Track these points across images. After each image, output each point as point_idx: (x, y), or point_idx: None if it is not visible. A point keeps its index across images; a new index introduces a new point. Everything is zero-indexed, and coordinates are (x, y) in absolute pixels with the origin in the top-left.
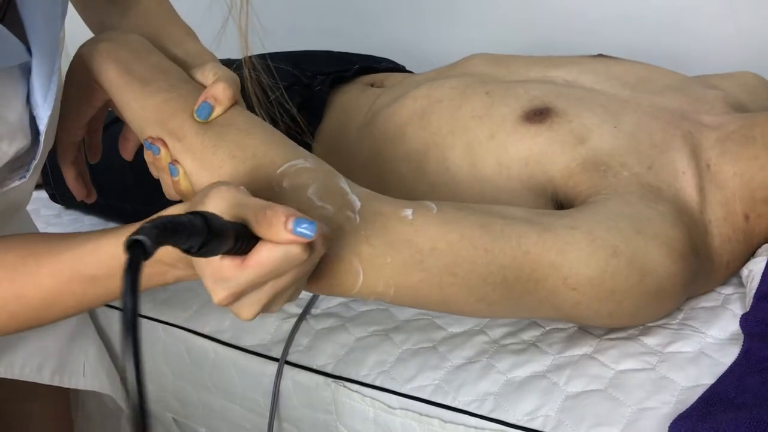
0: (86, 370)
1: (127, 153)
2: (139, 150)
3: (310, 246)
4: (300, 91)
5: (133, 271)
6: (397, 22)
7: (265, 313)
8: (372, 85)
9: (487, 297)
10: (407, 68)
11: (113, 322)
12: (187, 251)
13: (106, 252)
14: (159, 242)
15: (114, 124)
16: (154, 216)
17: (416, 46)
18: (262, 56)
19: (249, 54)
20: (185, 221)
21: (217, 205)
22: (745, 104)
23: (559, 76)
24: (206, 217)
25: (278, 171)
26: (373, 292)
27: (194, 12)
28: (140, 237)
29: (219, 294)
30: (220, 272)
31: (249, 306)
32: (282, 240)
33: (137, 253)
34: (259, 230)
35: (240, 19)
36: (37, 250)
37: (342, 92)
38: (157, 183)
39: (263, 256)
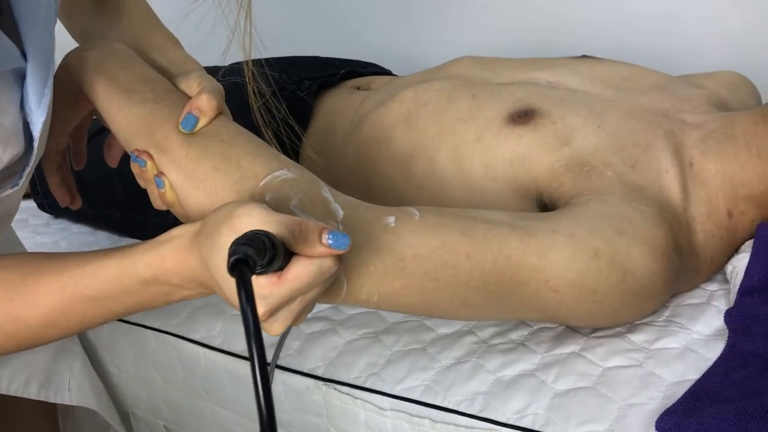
0: (71, 386)
1: (112, 160)
2: (127, 158)
3: (339, 258)
4: (286, 96)
5: (246, 288)
6: (383, 26)
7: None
8: (358, 89)
9: (469, 301)
10: (393, 72)
11: (100, 336)
12: (255, 267)
13: (107, 273)
14: (256, 257)
15: (102, 132)
16: (239, 237)
17: (402, 50)
18: (217, 68)
19: (249, 59)
20: (263, 239)
21: (250, 223)
22: (727, 103)
23: (543, 78)
24: (270, 236)
25: (261, 183)
26: (358, 299)
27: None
28: (241, 255)
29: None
30: (257, 289)
31: (281, 321)
32: (317, 253)
33: (243, 271)
34: (295, 246)
35: (243, 25)
36: (37, 269)
37: (328, 97)
38: (145, 191)
39: (300, 270)
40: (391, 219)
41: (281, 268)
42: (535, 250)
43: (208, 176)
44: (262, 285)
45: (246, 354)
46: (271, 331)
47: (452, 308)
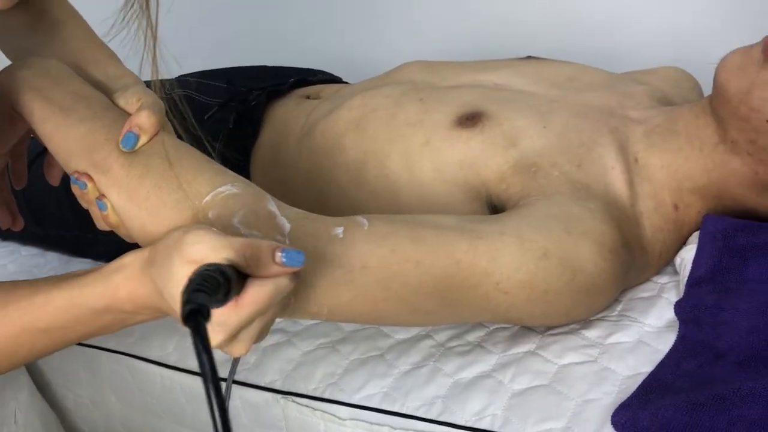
0: (18, 417)
1: (54, 179)
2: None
3: (295, 275)
4: (235, 106)
5: (203, 338)
6: (330, 33)
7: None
8: (308, 97)
9: (421, 308)
10: (344, 79)
11: (50, 359)
12: (211, 303)
13: (57, 304)
14: (209, 302)
15: (47, 150)
16: (189, 278)
17: (351, 57)
18: (179, 79)
19: (161, 77)
20: (216, 277)
21: (201, 250)
22: (670, 98)
23: (489, 80)
24: (222, 270)
25: (204, 200)
26: (307, 313)
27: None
28: (196, 305)
29: (217, 338)
30: (215, 318)
31: (242, 343)
32: (272, 273)
33: (199, 322)
34: (248, 268)
35: (148, 43)
36: None
37: (278, 106)
38: None
39: (257, 293)
40: (339, 230)
41: (237, 293)
42: (484, 254)
43: (150, 195)
44: (219, 312)
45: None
46: (233, 353)
47: (405, 316)
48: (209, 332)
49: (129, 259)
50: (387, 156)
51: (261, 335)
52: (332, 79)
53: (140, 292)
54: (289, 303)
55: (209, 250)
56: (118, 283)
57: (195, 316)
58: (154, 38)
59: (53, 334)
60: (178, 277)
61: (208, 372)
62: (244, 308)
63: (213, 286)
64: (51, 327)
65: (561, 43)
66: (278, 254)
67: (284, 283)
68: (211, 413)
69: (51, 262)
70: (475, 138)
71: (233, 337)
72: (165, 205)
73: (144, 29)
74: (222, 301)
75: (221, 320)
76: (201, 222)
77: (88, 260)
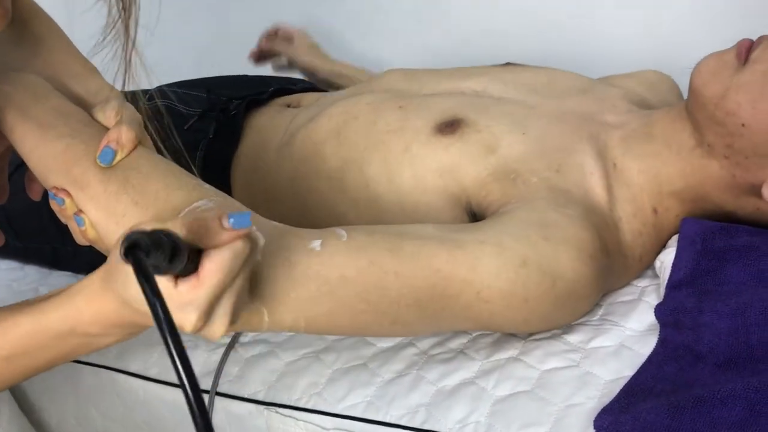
0: None
1: (35, 194)
2: None
3: (250, 239)
4: (215, 116)
5: (145, 272)
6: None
7: (234, 329)
8: (289, 106)
9: (401, 319)
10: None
11: None
12: (155, 268)
13: (20, 330)
14: (151, 246)
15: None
16: (127, 232)
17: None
18: (159, 89)
19: (140, 88)
20: (159, 236)
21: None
22: (648, 101)
23: (468, 87)
24: (168, 233)
25: (180, 216)
26: (283, 327)
27: None
28: (132, 239)
29: (191, 318)
30: (180, 298)
31: (219, 321)
32: (224, 240)
33: (136, 254)
34: (200, 242)
35: (126, 54)
36: None
37: (258, 114)
38: None
39: (214, 263)
40: (317, 243)
41: (195, 269)
42: (464, 263)
43: (128, 211)
44: (183, 292)
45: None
46: (214, 335)
47: (383, 327)
48: (179, 319)
49: (87, 281)
50: (367, 163)
51: (235, 311)
52: (313, 88)
53: (106, 311)
54: (261, 322)
55: (159, 227)
56: (80, 305)
57: (133, 249)
58: (129, 53)
59: (14, 361)
60: (132, 275)
61: (158, 310)
62: (207, 280)
63: (156, 240)
64: (12, 354)
65: (541, 49)
66: (224, 220)
67: (240, 246)
68: (194, 422)
69: (30, 275)
70: (455, 145)
71: (207, 315)
72: (142, 221)
73: (123, 45)
74: (170, 264)
75: (188, 299)
76: None
77: (68, 273)
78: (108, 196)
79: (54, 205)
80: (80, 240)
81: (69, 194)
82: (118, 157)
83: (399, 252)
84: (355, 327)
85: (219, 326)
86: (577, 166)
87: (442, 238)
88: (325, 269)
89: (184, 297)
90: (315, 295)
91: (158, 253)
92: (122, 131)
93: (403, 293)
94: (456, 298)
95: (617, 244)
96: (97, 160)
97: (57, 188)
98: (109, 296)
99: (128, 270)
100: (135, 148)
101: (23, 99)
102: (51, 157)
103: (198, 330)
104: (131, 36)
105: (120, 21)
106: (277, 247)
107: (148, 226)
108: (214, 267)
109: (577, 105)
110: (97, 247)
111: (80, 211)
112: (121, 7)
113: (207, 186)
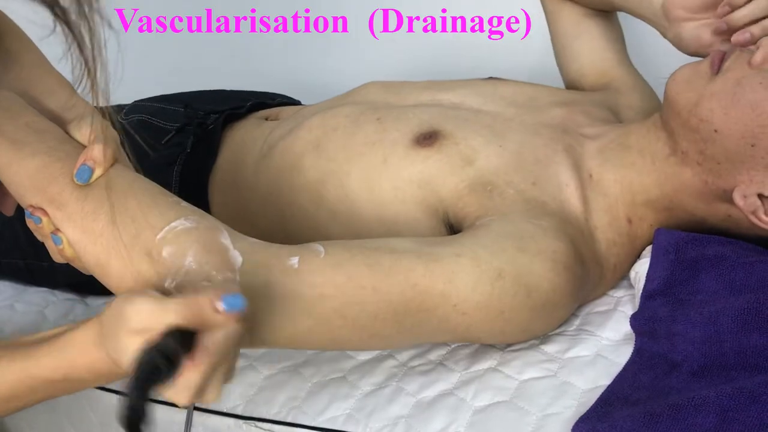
0: None
1: (8, 209)
2: None
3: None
4: (193, 130)
5: None
6: (290, 56)
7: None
8: (267, 119)
9: (379, 333)
10: (303, 103)
11: None
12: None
13: (11, 376)
14: (146, 400)
15: None
16: (132, 373)
17: (310, 81)
18: (121, 107)
19: (101, 105)
20: (157, 364)
21: (142, 321)
22: (624, 108)
23: (447, 99)
24: (161, 349)
25: (158, 237)
26: (263, 344)
27: None
28: (131, 411)
29: (184, 399)
30: (174, 383)
31: (212, 390)
32: (218, 324)
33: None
34: (194, 325)
35: (93, 74)
36: None
37: (236, 128)
38: None
39: (209, 347)
40: (294, 260)
41: (189, 349)
42: (440, 276)
43: (105, 231)
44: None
45: (160, 398)
46: (207, 402)
47: (362, 341)
48: (171, 397)
49: (80, 334)
50: (346, 175)
51: (228, 378)
52: (291, 102)
53: (99, 364)
54: (246, 339)
55: (150, 319)
56: (74, 358)
57: (137, 425)
58: (93, 73)
59: (3, 405)
60: (128, 351)
61: None
62: (201, 363)
63: (154, 375)
64: (1, 398)
65: (522, 63)
66: (218, 304)
67: (233, 328)
68: None
69: (5, 291)
70: (433, 157)
71: (200, 391)
72: (119, 241)
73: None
74: (170, 373)
75: (183, 383)
76: (155, 260)
77: (45, 289)
78: (85, 216)
79: (31, 223)
80: (57, 258)
81: (46, 213)
82: (95, 175)
83: (376, 267)
84: (334, 342)
85: (212, 395)
86: (553, 178)
87: (418, 252)
88: (302, 287)
89: (178, 381)
90: (293, 313)
91: (158, 382)
92: (99, 149)
93: (381, 308)
94: (433, 312)
95: (592, 253)
96: (74, 179)
97: (34, 207)
98: (103, 353)
99: (123, 345)
100: (112, 165)
101: None
102: (26, 176)
103: (192, 403)
104: (99, 86)
105: (86, 79)
106: (253, 266)
107: (146, 321)
108: (207, 352)
109: (554, 118)
110: (74, 265)
111: (57, 230)
112: (85, 68)
113: (185, 204)
